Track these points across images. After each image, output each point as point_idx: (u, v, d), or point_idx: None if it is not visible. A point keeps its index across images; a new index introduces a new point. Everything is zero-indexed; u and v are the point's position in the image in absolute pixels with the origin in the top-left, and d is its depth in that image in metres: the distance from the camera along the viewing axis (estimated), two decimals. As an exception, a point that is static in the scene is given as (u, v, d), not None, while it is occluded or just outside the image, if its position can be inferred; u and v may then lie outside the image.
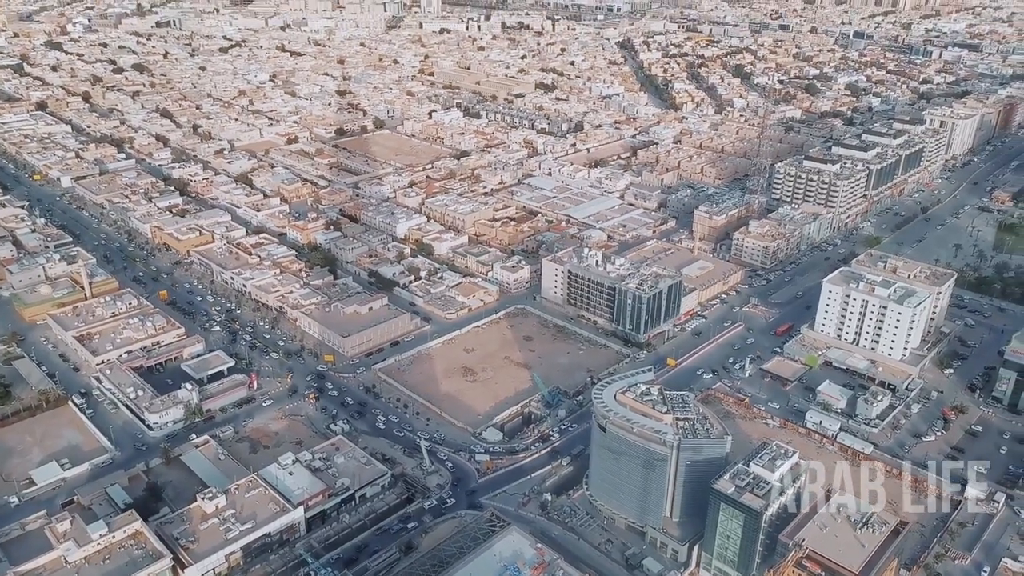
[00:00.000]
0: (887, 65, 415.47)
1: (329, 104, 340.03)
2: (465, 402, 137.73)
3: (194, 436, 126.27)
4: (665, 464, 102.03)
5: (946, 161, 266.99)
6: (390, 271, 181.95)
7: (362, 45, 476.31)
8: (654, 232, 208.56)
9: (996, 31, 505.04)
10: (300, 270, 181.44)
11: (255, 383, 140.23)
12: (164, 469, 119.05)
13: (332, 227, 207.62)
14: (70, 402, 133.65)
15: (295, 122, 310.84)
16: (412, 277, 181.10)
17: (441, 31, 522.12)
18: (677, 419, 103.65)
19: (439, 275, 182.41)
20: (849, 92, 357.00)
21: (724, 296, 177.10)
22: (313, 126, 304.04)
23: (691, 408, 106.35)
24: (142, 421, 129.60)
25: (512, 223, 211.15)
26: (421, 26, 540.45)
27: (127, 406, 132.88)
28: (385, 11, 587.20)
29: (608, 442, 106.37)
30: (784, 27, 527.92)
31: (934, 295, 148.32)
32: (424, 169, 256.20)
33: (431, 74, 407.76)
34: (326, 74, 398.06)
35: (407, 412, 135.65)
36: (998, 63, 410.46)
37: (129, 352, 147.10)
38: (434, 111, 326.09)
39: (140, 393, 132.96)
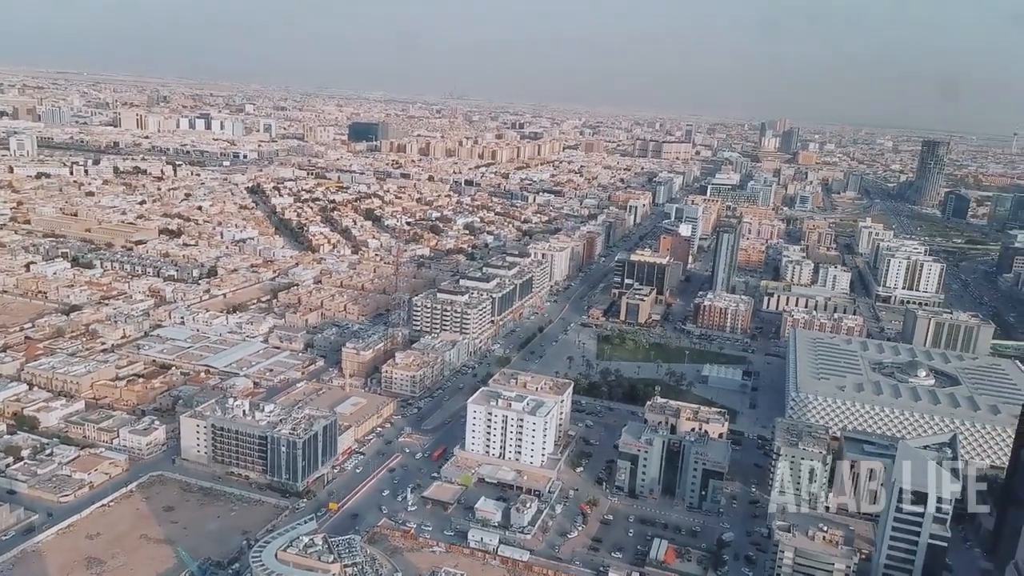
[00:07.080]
0: (495, 208, 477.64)
1: None
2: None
3: None
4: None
5: (551, 287, 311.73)
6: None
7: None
8: (303, 373, 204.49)
9: (572, 180, 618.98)
10: None
11: None
12: None
13: None
14: None
15: None
16: (11, 459, 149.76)
17: (39, 175, 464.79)
18: (345, 567, 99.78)
19: (48, 451, 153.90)
20: (467, 231, 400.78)
21: (380, 429, 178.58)
22: None
23: (358, 552, 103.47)
24: None
25: (141, 380, 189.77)
26: (12, 170, 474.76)
27: None
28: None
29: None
30: (405, 175, 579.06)
31: (558, 403, 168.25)
32: (22, 329, 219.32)
33: (27, 222, 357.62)
34: None
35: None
36: (577, 205, 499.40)
37: None
38: (33, 263, 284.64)
39: None
